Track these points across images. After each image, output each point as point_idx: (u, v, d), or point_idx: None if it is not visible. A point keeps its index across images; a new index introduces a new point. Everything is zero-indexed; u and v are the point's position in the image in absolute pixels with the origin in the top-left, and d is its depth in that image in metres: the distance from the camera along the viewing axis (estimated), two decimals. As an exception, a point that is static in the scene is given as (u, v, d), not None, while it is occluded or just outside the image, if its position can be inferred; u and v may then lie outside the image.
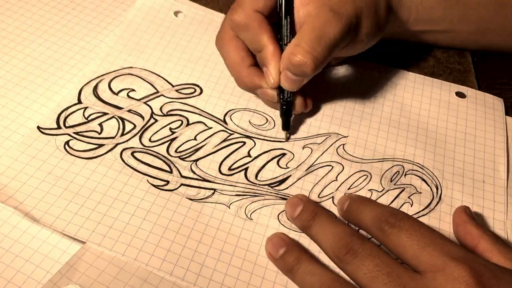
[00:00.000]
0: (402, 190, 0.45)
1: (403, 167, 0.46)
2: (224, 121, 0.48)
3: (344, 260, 0.34)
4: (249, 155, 0.46)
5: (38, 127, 0.44)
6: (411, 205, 0.44)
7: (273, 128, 0.48)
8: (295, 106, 0.45)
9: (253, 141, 0.47)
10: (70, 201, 0.40)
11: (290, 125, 0.46)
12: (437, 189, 0.45)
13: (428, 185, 0.45)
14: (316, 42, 0.39)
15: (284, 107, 0.45)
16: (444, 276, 0.30)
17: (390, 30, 0.46)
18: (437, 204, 0.44)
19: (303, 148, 0.47)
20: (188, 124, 0.47)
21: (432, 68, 0.55)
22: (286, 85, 0.42)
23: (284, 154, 0.46)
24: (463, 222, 0.38)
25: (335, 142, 0.47)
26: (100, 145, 0.44)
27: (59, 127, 0.45)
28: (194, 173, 0.44)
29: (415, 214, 0.43)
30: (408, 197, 0.44)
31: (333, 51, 0.41)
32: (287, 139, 0.46)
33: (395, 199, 0.44)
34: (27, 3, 0.54)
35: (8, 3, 0.54)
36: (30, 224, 0.39)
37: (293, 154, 0.46)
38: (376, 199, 0.44)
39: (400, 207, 0.44)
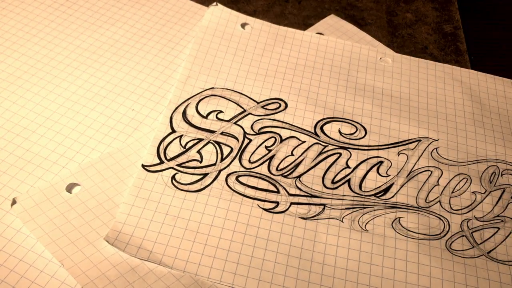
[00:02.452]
0: (504, 191, 0.45)
1: (498, 167, 0.47)
2: (316, 134, 0.47)
3: None
4: (348, 166, 0.46)
5: (143, 166, 0.43)
6: None
7: (364, 136, 0.48)
8: None
9: (349, 151, 0.47)
10: (193, 241, 0.40)
11: None
12: None
13: None
14: None
15: None
16: None
17: None
18: None
19: (398, 155, 0.47)
20: (282, 140, 0.47)
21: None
22: None
23: (381, 162, 0.46)
24: None
25: (427, 146, 0.48)
26: (205, 175, 0.44)
27: (161, 162, 0.44)
28: (301, 189, 0.44)
29: (521, 213, 0.44)
30: (511, 197, 0.45)
31: None
32: None
33: (499, 200, 0.45)
34: (22, 2, 0.54)
35: (3, 2, 0.54)
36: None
37: (390, 162, 0.46)
38: (481, 202, 0.44)
39: (506, 208, 0.44)
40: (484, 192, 0.45)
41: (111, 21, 0.54)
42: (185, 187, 0.43)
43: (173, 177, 0.43)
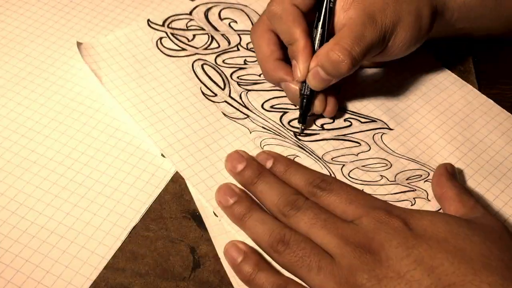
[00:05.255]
0: (412, 190, 0.45)
1: (428, 174, 0.46)
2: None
3: (288, 215, 0.38)
4: (293, 105, 0.50)
5: (148, 20, 0.54)
6: (412, 205, 0.44)
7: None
8: (315, 105, 0.46)
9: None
10: (140, 86, 0.49)
11: (306, 120, 0.47)
12: None
13: None
14: (356, 43, 0.42)
15: (304, 101, 0.46)
16: (367, 219, 0.36)
17: (434, 33, 0.47)
18: None
19: (344, 121, 0.49)
20: None
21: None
22: (312, 83, 0.44)
23: (323, 117, 0.49)
24: (439, 174, 0.42)
25: (377, 128, 0.49)
26: (183, 49, 0.53)
27: (162, 25, 0.54)
28: (241, 98, 0.50)
29: (410, 214, 0.43)
30: (414, 198, 0.44)
31: (367, 55, 0.43)
32: (301, 132, 0.47)
33: (399, 193, 0.44)
34: (26, 3, 0.55)
35: (7, 3, 0.55)
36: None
37: (334, 120, 0.49)
38: (382, 185, 0.45)
39: (400, 201, 0.44)
40: (392, 182, 0.45)
41: (115, 22, 0.54)
42: (162, 49, 0.52)
43: (160, 39, 0.53)
